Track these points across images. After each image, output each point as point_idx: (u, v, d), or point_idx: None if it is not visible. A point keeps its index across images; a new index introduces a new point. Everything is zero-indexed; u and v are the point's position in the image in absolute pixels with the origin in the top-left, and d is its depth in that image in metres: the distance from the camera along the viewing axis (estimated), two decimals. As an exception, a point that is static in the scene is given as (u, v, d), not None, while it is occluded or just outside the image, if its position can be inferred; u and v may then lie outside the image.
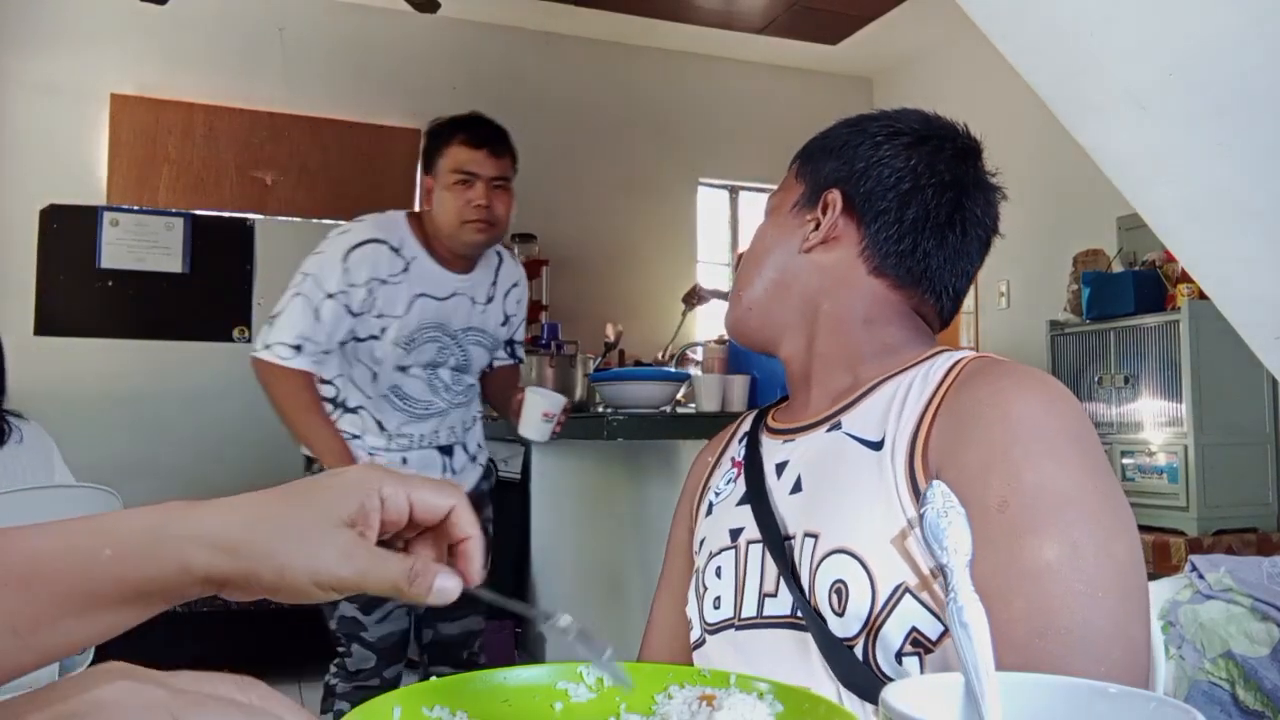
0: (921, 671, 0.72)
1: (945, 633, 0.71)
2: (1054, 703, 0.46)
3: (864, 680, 0.72)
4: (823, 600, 0.75)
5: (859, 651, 0.74)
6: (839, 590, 0.74)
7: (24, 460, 2.03)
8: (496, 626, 4.26)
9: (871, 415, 0.81)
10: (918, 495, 0.73)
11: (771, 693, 0.56)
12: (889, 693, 0.43)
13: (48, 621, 0.47)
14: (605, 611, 3.26)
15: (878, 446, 0.78)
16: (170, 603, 0.50)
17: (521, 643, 4.29)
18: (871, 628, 0.72)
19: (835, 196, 0.88)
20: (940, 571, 0.69)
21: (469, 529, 0.55)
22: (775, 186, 0.99)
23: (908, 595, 0.71)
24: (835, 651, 0.74)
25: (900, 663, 0.72)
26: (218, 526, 0.50)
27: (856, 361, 0.87)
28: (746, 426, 0.98)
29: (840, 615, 0.74)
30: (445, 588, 0.53)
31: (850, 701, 0.74)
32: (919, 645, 0.72)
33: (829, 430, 0.84)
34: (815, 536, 0.78)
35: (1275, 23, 0.96)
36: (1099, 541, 0.67)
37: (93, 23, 4.50)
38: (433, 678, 0.57)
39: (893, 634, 0.72)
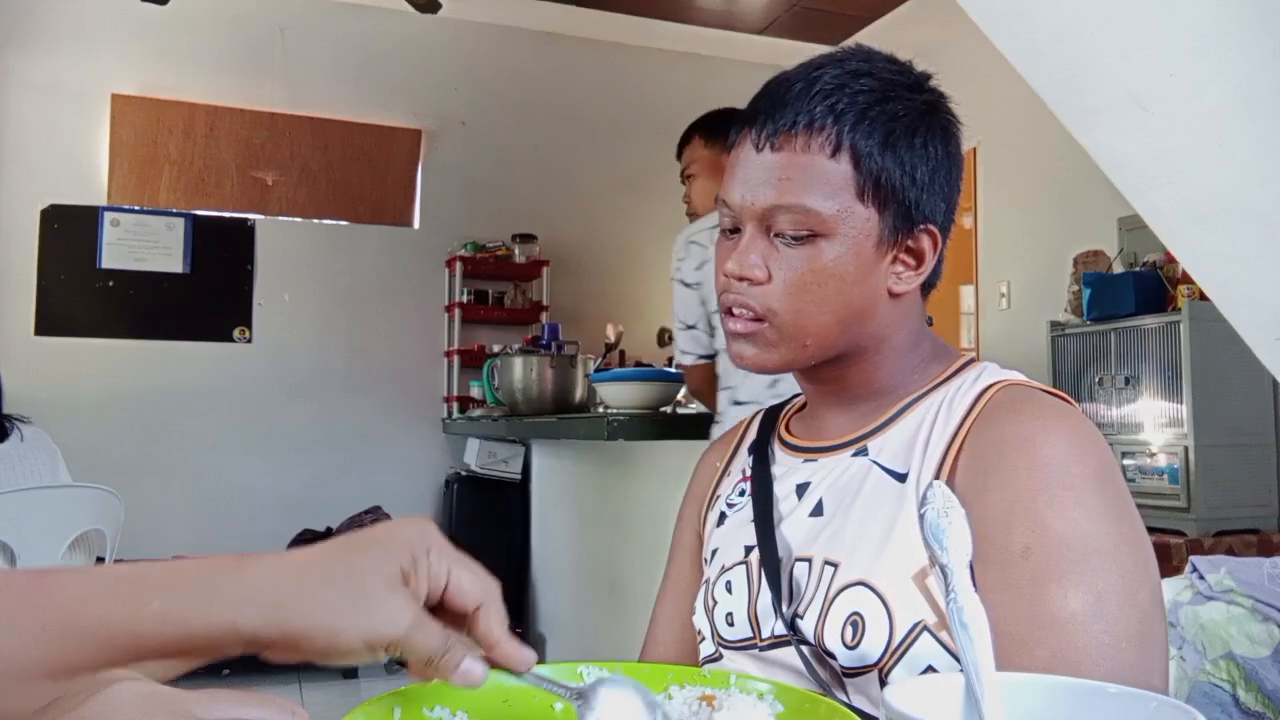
0: None
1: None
2: (1054, 703, 0.46)
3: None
4: (833, 631, 0.74)
5: (871, 681, 0.72)
6: (854, 623, 0.72)
7: (29, 460, 2.03)
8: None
9: (899, 444, 0.79)
10: None
11: (771, 693, 0.56)
12: (889, 693, 0.43)
13: (86, 669, 0.46)
14: (605, 612, 3.26)
15: (903, 479, 0.76)
16: (214, 657, 0.48)
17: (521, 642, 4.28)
18: (884, 664, 0.71)
19: (938, 239, 0.81)
20: (940, 571, 0.68)
21: (495, 633, 0.52)
22: None
23: (925, 633, 0.70)
24: (824, 687, 0.73)
25: None
26: (271, 588, 0.48)
27: (891, 387, 0.84)
28: (754, 434, 0.95)
29: (852, 649, 0.72)
30: (472, 670, 0.51)
31: None
32: None
33: (854, 454, 0.82)
34: (835, 565, 0.76)
35: (1275, 23, 0.96)
36: (1123, 590, 0.66)
37: (94, 23, 4.51)
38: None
39: (904, 673, 0.70)
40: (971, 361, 0.84)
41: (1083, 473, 0.69)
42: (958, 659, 0.70)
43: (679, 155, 2.57)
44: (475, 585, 0.52)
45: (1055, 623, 0.64)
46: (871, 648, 0.71)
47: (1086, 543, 0.66)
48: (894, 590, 0.71)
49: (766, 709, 0.54)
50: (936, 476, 0.74)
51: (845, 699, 0.73)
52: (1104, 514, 0.68)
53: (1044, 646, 0.64)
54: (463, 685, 0.51)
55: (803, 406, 0.94)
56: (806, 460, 0.86)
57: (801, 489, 0.84)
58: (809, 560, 0.78)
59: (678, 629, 0.96)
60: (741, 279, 0.79)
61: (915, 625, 0.70)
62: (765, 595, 0.81)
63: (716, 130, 2.54)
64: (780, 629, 0.79)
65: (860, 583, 0.73)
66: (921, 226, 0.80)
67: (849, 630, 0.73)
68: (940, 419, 0.77)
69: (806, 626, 0.76)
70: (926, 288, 0.84)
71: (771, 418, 0.96)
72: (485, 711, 0.56)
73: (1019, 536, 0.67)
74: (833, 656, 0.74)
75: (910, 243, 0.80)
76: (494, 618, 0.52)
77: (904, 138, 0.78)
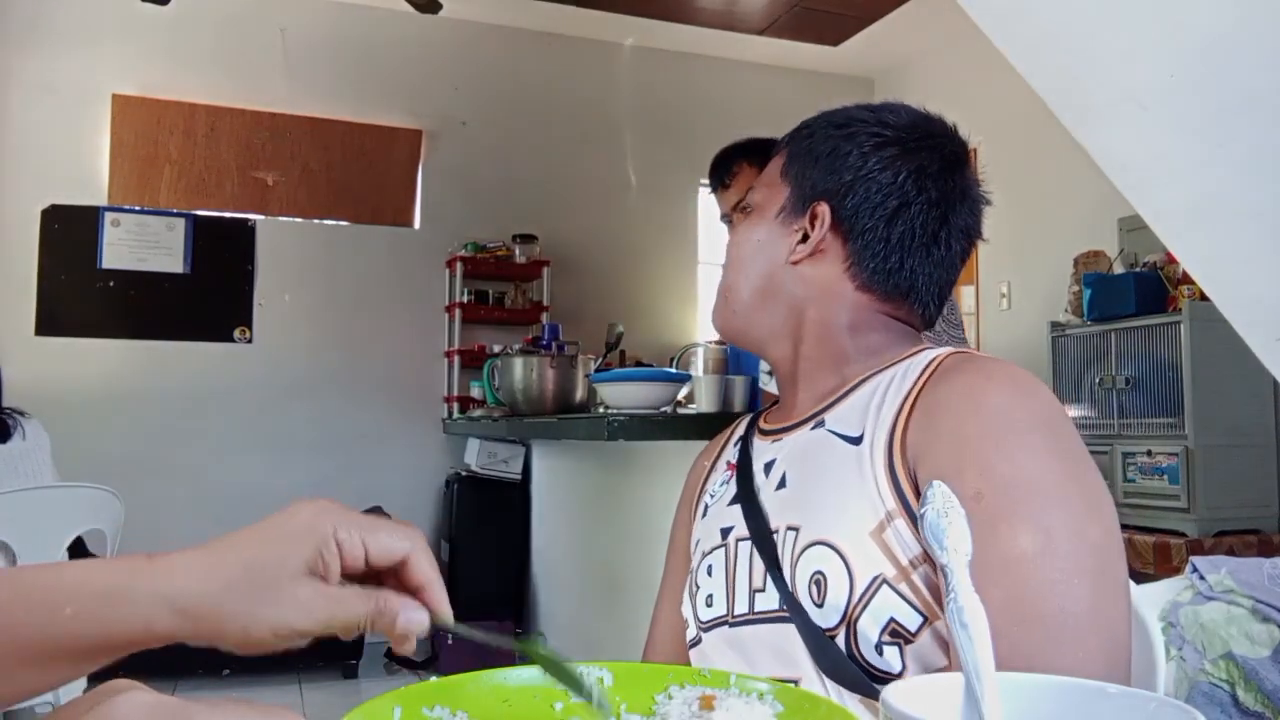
0: (902, 662, 0.73)
1: (925, 623, 0.72)
2: (1054, 703, 0.46)
3: (847, 671, 0.74)
4: (803, 592, 0.77)
5: (841, 642, 0.75)
6: (818, 581, 0.76)
7: (30, 459, 2.04)
8: (496, 626, 4.26)
9: (853, 412, 0.83)
10: (897, 488, 0.74)
11: (771, 693, 0.56)
12: (889, 693, 0.43)
13: (3, 671, 0.47)
14: (605, 611, 3.26)
15: (857, 441, 0.80)
16: (131, 651, 0.50)
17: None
18: (850, 619, 0.74)
19: (824, 210, 0.88)
20: (941, 571, 0.69)
21: (427, 573, 0.55)
22: None
23: (885, 586, 0.72)
24: (818, 643, 0.75)
25: (880, 653, 0.73)
26: (180, 587, 0.49)
27: (842, 364, 0.89)
28: (741, 430, 1.00)
29: (820, 606, 0.75)
30: (413, 618, 0.53)
31: (835, 693, 0.75)
32: (898, 636, 0.73)
33: (813, 428, 0.87)
34: (796, 530, 0.79)
35: (1275, 23, 0.96)
36: (1072, 527, 0.68)
37: (94, 23, 4.51)
38: (433, 678, 0.57)
39: (870, 625, 0.73)
40: (931, 348, 0.87)
41: (1028, 418, 0.72)
42: (918, 610, 0.72)
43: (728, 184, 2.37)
44: (395, 541, 0.54)
45: (1006, 562, 0.66)
46: (836, 602, 0.74)
47: (1033, 484, 0.69)
48: (852, 547, 0.74)
49: (766, 709, 0.54)
50: (890, 434, 0.77)
51: (837, 659, 0.75)
52: (1050, 456, 0.70)
53: (998, 586, 0.66)
54: (411, 635, 0.53)
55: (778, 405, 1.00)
56: (774, 441, 0.91)
57: (769, 466, 0.89)
58: (777, 531, 0.82)
59: (677, 628, 0.98)
60: None
61: (874, 579, 0.73)
62: (743, 570, 0.84)
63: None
64: (763, 603, 0.81)
65: (820, 542, 0.76)
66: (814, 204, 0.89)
67: (814, 589, 0.76)
68: (893, 387, 0.81)
69: (788, 584, 0.79)
70: (864, 279, 0.88)
71: (758, 416, 1.00)
72: (485, 712, 0.56)
73: (970, 482, 0.69)
74: (806, 615, 0.76)
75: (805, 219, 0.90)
76: (421, 564, 0.54)
77: (838, 142, 0.89)
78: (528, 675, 0.59)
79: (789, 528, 0.80)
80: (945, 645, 0.72)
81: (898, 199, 0.86)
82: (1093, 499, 0.70)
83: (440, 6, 3.84)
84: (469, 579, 4.37)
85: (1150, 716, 0.43)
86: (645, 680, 0.59)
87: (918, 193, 0.86)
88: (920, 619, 0.72)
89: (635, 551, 2.90)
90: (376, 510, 4.32)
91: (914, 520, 0.72)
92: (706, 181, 2.49)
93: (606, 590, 3.24)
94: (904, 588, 0.72)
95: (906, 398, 0.78)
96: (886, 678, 0.73)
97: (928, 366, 0.80)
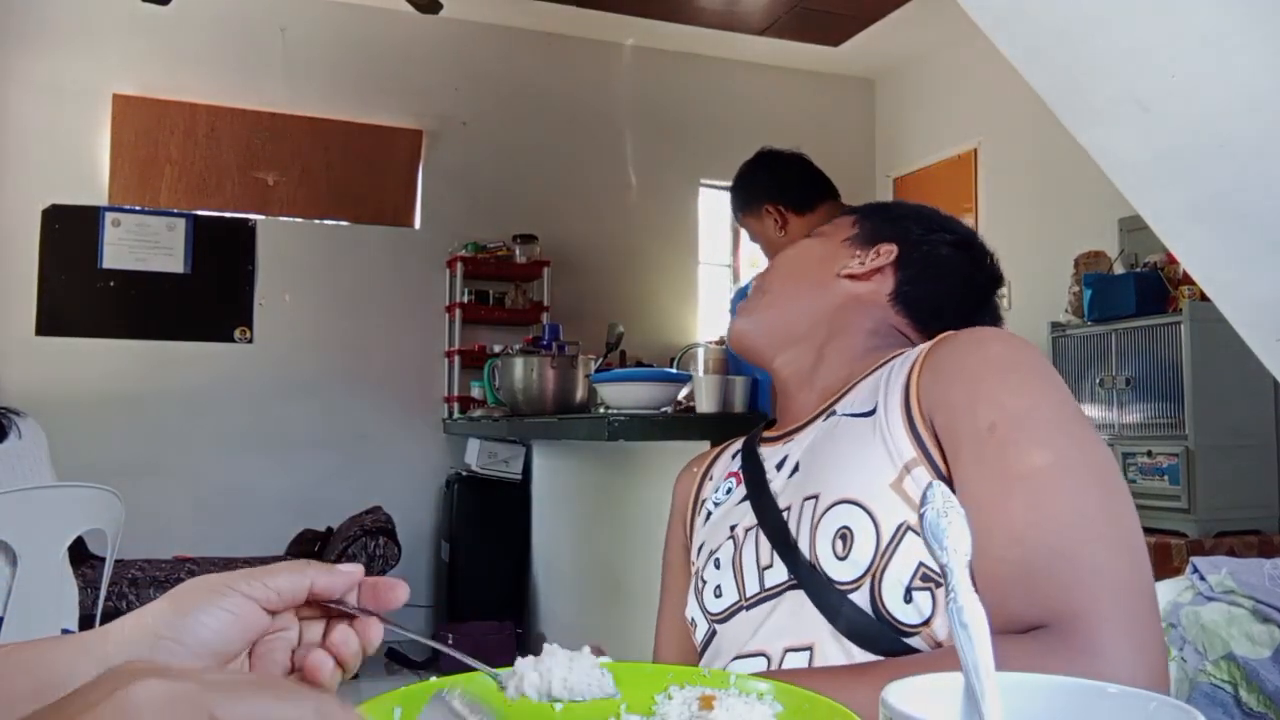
0: (933, 606, 0.74)
1: None
2: (1054, 703, 0.46)
3: (867, 627, 0.76)
4: (824, 550, 0.79)
5: (863, 595, 0.76)
6: (844, 536, 0.78)
7: (29, 458, 2.03)
8: (496, 627, 4.26)
9: (862, 394, 0.88)
10: (915, 435, 0.78)
11: (771, 693, 0.56)
12: (889, 693, 0.43)
13: None
14: (605, 612, 3.26)
15: (870, 414, 0.84)
16: None
17: (522, 643, 4.28)
18: (877, 568, 0.76)
19: (892, 249, 0.99)
20: (941, 571, 0.69)
21: (337, 586, 0.56)
22: None
23: (910, 533, 0.75)
24: (833, 602, 0.77)
25: (910, 598, 0.75)
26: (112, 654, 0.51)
27: (851, 361, 0.95)
28: (738, 446, 1.03)
29: (843, 559, 0.77)
30: (322, 667, 0.55)
31: (848, 656, 0.76)
32: (929, 580, 0.74)
33: (825, 419, 0.90)
34: (815, 497, 0.82)
35: (1275, 23, 0.96)
36: (1080, 448, 0.74)
37: (95, 23, 4.51)
38: (433, 678, 0.57)
39: (901, 570, 0.75)
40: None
41: (1029, 363, 0.79)
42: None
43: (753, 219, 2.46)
44: (293, 579, 0.54)
45: (1022, 476, 0.72)
46: (862, 554, 0.76)
47: (1041, 413, 0.76)
48: (875, 498, 0.78)
49: (766, 709, 0.54)
50: (905, 401, 0.81)
51: (850, 620, 0.77)
52: (1053, 393, 0.77)
53: (1015, 498, 0.71)
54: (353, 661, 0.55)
55: (773, 423, 1.03)
56: (785, 442, 0.94)
57: (780, 464, 0.92)
58: (788, 509, 0.85)
59: (680, 641, 0.99)
60: None
61: (900, 526, 0.75)
62: (749, 553, 0.87)
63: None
64: (772, 578, 0.83)
65: (842, 500, 0.79)
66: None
67: (839, 543, 0.78)
68: (902, 362, 0.87)
69: (801, 554, 0.81)
70: (904, 299, 0.99)
71: (753, 435, 1.03)
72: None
73: (984, 415, 0.75)
74: (826, 573, 0.79)
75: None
76: (321, 581, 0.55)
77: (910, 217, 1.04)
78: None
79: (807, 498, 0.83)
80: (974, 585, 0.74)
81: (953, 270, 1.01)
82: (1092, 432, 0.77)
83: (440, 6, 3.84)
84: (469, 579, 4.37)
85: (1150, 716, 0.43)
86: (646, 680, 0.59)
87: (971, 277, 1.02)
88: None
89: (635, 551, 2.90)
90: (376, 510, 4.32)
91: (934, 467, 0.76)
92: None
93: (606, 590, 3.24)
94: None
95: (914, 364, 0.83)
96: (911, 631, 0.74)
97: (931, 342, 0.86)
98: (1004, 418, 0.74)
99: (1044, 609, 0.67)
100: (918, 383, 0.82)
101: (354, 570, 0.56)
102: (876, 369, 0.90)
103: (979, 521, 0.70)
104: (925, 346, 0.86)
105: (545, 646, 0.56)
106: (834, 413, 0.90)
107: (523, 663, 0.55)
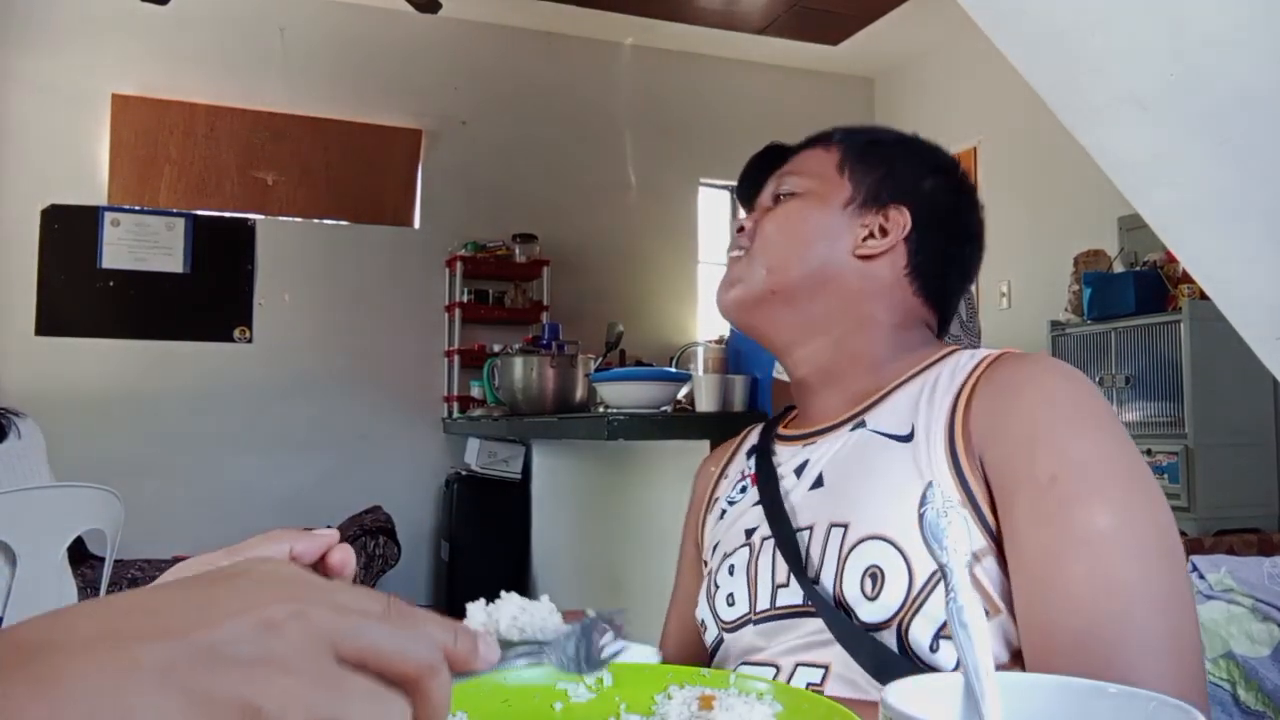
0: (959, 661, 0.72)
1: (986, 618, 0.71)
2: (1054, 703, 0.46)
3: (892, 664, 0.72)
4: (853, 587, 0.75)
5: (889, 635, 0.74)
6: (873, 575, 0.75)
7: (28, 458, 2.03)
8: (497, 627, 4.26)
9: (897, 411, 0.83)
10: (960, 477, 0.75)
11: (771, 693, 0.56)
12: (889, 693, 0.43)
13: None
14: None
15: (907, 439, 0.79)
16: None
17: (522, 643, 4.28)
18: (907, 612, 0.73)
19: (903, 217, 0.90)
20: (941, 571, 0.69)
21: (314, 557, 0.54)
22: None
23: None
24: (856, 640, 0.74)
25: (936, 646, 0.72)
26: None
27: (880, 363, 0.89)
28: (753, 440, 0.98)
29: (873, 600, 0.74)
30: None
31: (875, 688, 0.73)
32: None
33: (853, 429, 0.85)
34: (844, 526, 0.78)
35: (1275, 23, 0.96)
36: (1145, 507, 0.70)
37: (94, 23, 4.51)
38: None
39: (926, 621, 0.72)
40: (969, 350, 0.87)
41: (1092, 407, 0.75)
42: (985, 597, 0.72)
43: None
44: (275, 553, 0.53)
45: (1086, 539, 0.69)
46: (892, 597, 0.73)
47: (1106, 466, 0.71)
48: (910, 539, 0.74)
49: (765, 709, 0.54)
50: (950, 422, 0.77)
51: (870, 655, 0.74)
52: (1117, 444, 0.73)
53: (1080, 562, 0.68)
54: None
55: (794, 413, 0.98)
56: (805, 445, 0.89)
57: (800, 469, 0.87)
58: (810, 528, 0.81)
59: (689, 637, 0.97)
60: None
61: (935, 573, 0.72)
62: (765, 567, 0.83)
63: None
64: (786, 599, 0.80)
65: (874, 536, 0.75)
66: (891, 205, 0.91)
67: (868, 582, 0.75)
68: (943, 381, 0.82)
69: (825, 586, 0.78)
70: (917, 270, 0.91)
71: (770, 425, 0.99)
72: (485, 712, 0.56)
73: (1044, 465, 0.71)
74: (852, 612, 0.75)
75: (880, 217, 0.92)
76: (299, 546, 0.54)
77: (898, 153, 0.95)
78: (528, 675, 0.59)
79: (834, 525, 0.79)
80: (1007, 641, 0.72)
81: (957, 224, 0.95)
82: (1154, 485, 0.73)
83: (440, 6, 3.84)
84: (469, 578, 4.37)
85: (1149, 715, 0.43)
86: (646, 680, 0.59)
87: (970, 222, 0.96)
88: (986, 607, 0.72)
89: (635, 551, 2.90)
90: (376, 510, 4.32)
91: (977, 511, 0.73)
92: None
93: (607, 590, 3.24)
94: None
95: (961, 390, 0.79)
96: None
97: (980, 363, 0.81)
98: (1066, 470, 0.71)
99: (1101, 678, 0.66)
100: (964, 414, 0.77)
101: (329, 534, 0.56)
102: (911, 378, 0.85)
103: (1034, 581, 0.69)
104: (971, 366, 0.81)
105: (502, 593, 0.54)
106: (863, 424, 0.85)
107: (474, 606, 0.54)
